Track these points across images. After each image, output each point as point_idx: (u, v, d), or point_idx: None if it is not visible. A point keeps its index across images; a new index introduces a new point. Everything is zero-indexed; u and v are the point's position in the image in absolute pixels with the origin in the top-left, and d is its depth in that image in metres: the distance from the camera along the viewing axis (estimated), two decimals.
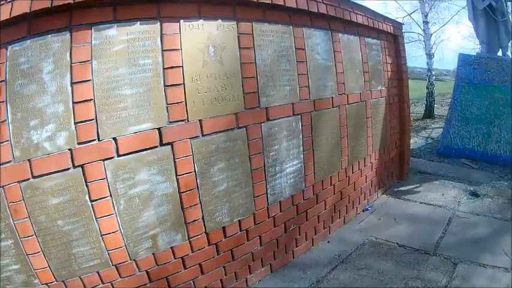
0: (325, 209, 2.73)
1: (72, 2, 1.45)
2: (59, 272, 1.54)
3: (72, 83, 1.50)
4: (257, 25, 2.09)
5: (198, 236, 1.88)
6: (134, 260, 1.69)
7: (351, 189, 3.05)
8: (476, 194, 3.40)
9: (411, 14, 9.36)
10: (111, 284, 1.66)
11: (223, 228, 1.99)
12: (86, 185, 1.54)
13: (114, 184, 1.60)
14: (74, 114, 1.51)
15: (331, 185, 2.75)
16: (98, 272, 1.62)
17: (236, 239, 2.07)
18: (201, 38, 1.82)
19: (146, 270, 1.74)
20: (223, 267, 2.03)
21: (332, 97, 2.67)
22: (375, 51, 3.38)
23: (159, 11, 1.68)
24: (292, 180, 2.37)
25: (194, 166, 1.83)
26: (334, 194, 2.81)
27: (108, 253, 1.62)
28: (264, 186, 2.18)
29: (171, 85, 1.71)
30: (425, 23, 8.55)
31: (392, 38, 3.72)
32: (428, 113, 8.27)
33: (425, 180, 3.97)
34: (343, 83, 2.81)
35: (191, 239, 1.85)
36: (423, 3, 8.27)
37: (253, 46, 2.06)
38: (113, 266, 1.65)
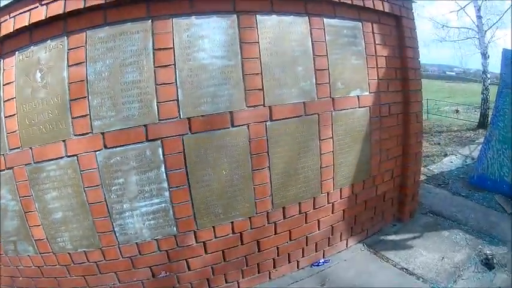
0: (224, 260, 1.81)
1: None
2: None
3: None
4: (92, 33, 1.49)
5: (47, 254, 1.70)
6: (6, 255, 1.76)
7: (281, 240, 1.92)
8: (490, 263, 1.91)
9: (465, 7, 7.23)
10: None
11: (69, 254, 1.68)
12: None
13: None
14: None
15: (233, 233, 1.77)
16: None
17: (85, 269, 1.70)
18: (30, 65, 1.56)
19: (16, 266, 1.77)
20: None
21: (231, 112, 1.64)
22: (348, 38, 1.96)
23: (2, 48, 1.58)
24: (153, 222, 1.61)
25: (31, 190, 1.61)
26: (242, 244, 1.81)
27: None
28: (108, 223, 1.59)
29: (8, 116, 1.59)
30: (479, 17, 6.54)
31: (392, 19, 2.11)
32: (483, 122, 6.29)
33: (431, 228, 2.34)
34: (261, 88, 1.71)
35: (42, 254, 1.70)
36: None
37: (86, 59, 1.48)
38: None
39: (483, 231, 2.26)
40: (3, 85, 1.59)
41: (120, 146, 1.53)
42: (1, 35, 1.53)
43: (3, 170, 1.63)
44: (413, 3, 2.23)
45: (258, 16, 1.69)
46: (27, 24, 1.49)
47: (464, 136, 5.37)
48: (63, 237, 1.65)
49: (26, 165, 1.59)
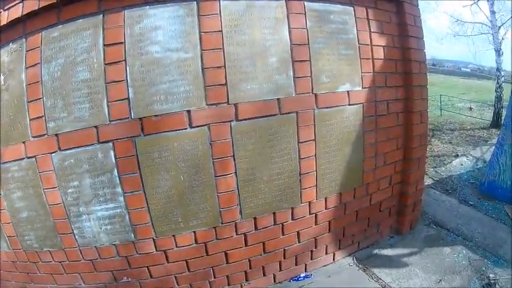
0: (189, 270, 1.56)
1: None
2: None
3: None
4: (47, 33, 1.34)
5: (18, 250, 1.60)
6: None
7: (253, 252, 1.61)
8: None
9: (478, 1, 6.42)
10: None
11: (37, 252, 1.58)
12: None
13: None
14: None
15: (196, 243, 1.51)
16: None
17: (52, 268, 1.59)
18: None
19: None
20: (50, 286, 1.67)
21: (188, 111, 1.36)
22: (336, 25, 1.55)
23: None
24: (109, 227, 1.43)
25: (0, 190, 1.52)
26: (208, 255, 1.55)
27: None
28: (67, 225, 1.45)
29: None
30: (492, 12, 5.83)
31: (392, 5, 1.66)
32: (496, 122, 5.56)
33: (433, 243, 1.89)
34: (225, 84, 1.40)
35: (15, 250, 1.61)
36: None
37: (41, 60, 1.33)
38: None
39: (489, 250, 1.78)
40: None
41: (73, 148, 1.35)
42: None
43: None
44: None
45: (221, 1, 1.37)
46: None
47: (477, 135, 4.62)
48: (30, 235, 1.56)
49: None
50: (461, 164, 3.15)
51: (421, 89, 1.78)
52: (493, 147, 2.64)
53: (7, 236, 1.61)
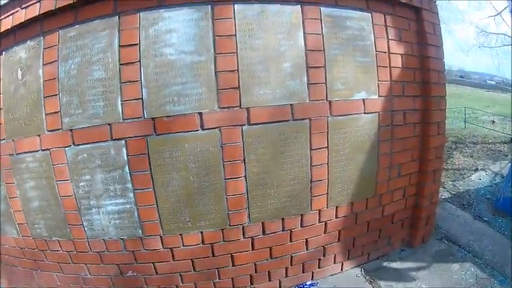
0: (194, 270, 1.58)
1: None
2: None
3: None
4: (64, 32, 1.39)
5: (27, 237, 1.67)
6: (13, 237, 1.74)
7: (260, 257, 1.61)
8: None
9: (501, 12, 6.21)
10: None
11: (45, 240, 1.63)
12: None
13: None
14: None
15: (203, 243, 1.52)
16: None
17: (60, 256, 1.65)
18: (14, 65, 1.52)
19: (3, 245, 1.77)
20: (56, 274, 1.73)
21: (200, 113, 1.37)
22: (352, 31, 1.53)
23: None
24: (118, 221, 1.46)
25: (14, 179, 1.59)
26: (214, 256, 1.55)
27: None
28: (77, 217, 1.50)
29: None
30: None
31: (410, 12, 1.60)
32: None
33: (442, 258, 1.86)
34: (237, 87, 1.39)
35: (24, 237, 1.68)
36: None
37: (58, 58, 1.38)
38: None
39: (497, 268, 1.74)
40: None
41: (87, 143, 1.39)
42: None
43: None
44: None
45: (236, 6, 1.37)
46: (10, 27, 1.47)
47: (498, 149, 4.54)
48: (40, 224, 1.63)
49: (10, 155, 1.57)
50: (480, 179, 3.09)
51: (439, 100, 1.72)
52: (510, 163, 2.55)
53: (17, 223, 1.66)
